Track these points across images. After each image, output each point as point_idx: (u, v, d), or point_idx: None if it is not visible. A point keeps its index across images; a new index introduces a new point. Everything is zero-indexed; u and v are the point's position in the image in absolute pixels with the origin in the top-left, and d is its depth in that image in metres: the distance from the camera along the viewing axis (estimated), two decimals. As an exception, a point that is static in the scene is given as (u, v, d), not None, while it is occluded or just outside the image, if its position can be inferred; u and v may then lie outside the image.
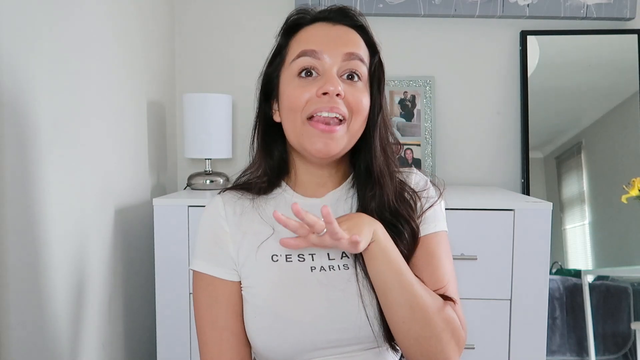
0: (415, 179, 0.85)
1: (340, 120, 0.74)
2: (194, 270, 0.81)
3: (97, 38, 1.20)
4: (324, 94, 0.73)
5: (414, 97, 1.73)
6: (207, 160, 1.60)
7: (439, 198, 0.83)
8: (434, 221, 0.81)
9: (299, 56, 0.75)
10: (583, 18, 1.69)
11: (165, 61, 1.68)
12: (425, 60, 1.75)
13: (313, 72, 0.75)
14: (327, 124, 0.73)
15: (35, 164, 0.96)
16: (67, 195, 1.06)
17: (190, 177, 1.59)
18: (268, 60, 0.82)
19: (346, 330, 0.74)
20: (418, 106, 1.73)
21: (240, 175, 0.86)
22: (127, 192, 1.37)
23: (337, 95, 0.73)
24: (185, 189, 1.63)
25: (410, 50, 1.75)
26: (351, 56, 0.75)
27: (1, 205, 0.86)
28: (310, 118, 0.74)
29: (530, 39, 1.71)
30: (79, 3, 1.11)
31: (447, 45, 1.75)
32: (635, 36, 1.68)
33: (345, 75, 0.75)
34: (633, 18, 1.69)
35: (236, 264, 0.79)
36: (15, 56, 0.89)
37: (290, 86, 0.76)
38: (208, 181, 1.57)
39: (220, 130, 1.54)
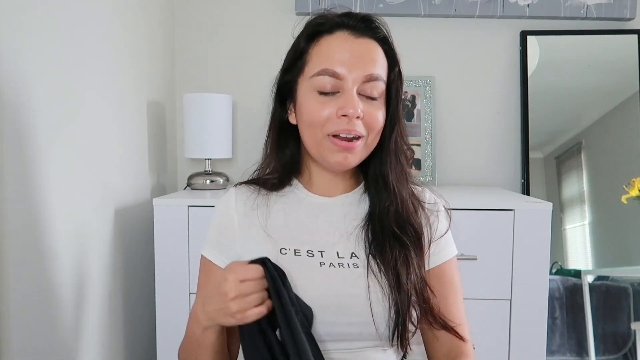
0: (428, 197, 0.87)
1: (359, 137, 0.76)
2: (202, 255, 0.85)
3: (97, 38, 1.20)
4: (344, 115, 0.74)
5: (414, 97, 1.73)
6: (207, 160, 1.60)
7: (450, 224, 0.85)
8: (446, 247, 0.83)
9: (319, 74, 0.75)
10: (583, 18, 1.69)
11: (165, 61, 1.68)
12: (425, 60, 1.75)
13: (333, 89, 0.76)
14: (348, 140, 0.75)
15: (35, 164, 0.96)
16: (67, 195, 1.06)
17: (190, 177, 1.59)
18: (286, 65, 0.82)
19: (351, 324, 0.75)
20: (418, 106, 1.73)
21: (254, 172, 0.89)
22: (127, 192, 1.37)
23: (357, 117, 0.74)
24: (185, 189, 1.63)
25: (410, 50, 1.74)
26: (371, 77, 0.76)
27: (1, 205, 0.86)
28: (330, 135, 0.76)
29: (530, 39, 1.71)
30: (79, 3, 1.11)
31: (447, 45, 1.75)
32: (635, 36, 1.68)
33: (365, 93, 0.77)
34: (633, 18, 1.69)
35: (239, 255, 0.81)
36: (15, 56, 0.89)
37: (309, 100, 0.77)
38: (208, 181, 1.57)
39: (220, 130, 1.54)
